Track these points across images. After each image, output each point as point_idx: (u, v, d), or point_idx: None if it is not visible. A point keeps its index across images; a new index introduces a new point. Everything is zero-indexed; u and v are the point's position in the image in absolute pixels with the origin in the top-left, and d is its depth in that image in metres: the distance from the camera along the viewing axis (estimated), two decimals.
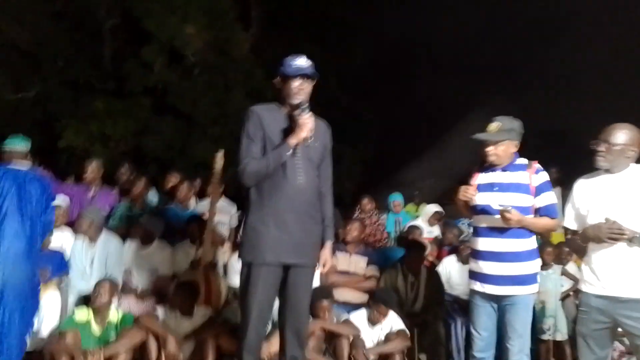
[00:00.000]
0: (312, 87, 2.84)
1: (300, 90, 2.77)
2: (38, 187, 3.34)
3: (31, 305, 3.33)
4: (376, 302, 3.95)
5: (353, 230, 4.56)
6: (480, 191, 3.04)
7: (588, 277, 2.79)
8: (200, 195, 5.71)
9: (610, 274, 2.68)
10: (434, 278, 4.58)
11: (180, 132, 9.94)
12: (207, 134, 9.84)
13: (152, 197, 5.39)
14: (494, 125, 3.02)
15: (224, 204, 5.37)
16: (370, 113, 12.51)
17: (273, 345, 3.33)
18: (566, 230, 3.02)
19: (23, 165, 3.47)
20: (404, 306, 4.38)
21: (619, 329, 2.77)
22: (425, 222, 6.26)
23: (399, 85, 13.04)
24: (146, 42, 9.70)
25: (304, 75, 2.78)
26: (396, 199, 6.80)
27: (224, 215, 5.25)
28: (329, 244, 2.95)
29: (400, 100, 12.96)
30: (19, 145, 3.60)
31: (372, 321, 3.93)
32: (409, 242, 5.04)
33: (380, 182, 10.50)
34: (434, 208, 6.38)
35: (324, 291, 3.94)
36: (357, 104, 12.01)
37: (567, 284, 4.67)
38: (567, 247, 4.46)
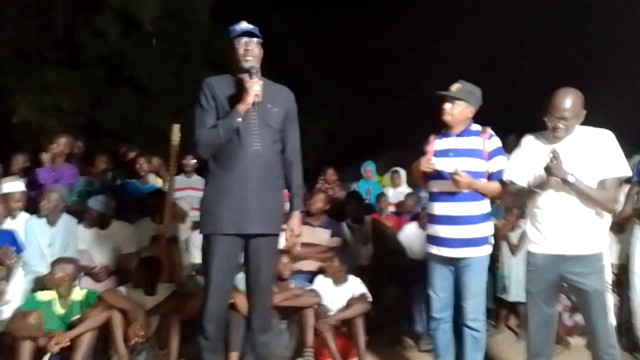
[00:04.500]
0: (261, 50, 2.79)
1: (247, 51, 2.72)
2: None
3: None
4: (331, 259, 4.04)
5: (317, 202, 4.57)
6: (436, 157, 3.11)
7: (534, 237, 2.90)
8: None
9: (556, 232, 2.79)
10: (379, 225, 4.89)
11: (137, 103, 9.69)
12: (165, 105, 9.62)
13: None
14: (455, 86, 3.08)
15: (199, 178, 5.32)
16: (334, 83, 12.41)
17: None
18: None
19: None
20: (357, 258, 4.59)
21: (564, 285, 2.91)
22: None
23: (363, 53, 12.92)
24: (100, 10, 9.31)
25: (248, 34, 2.73)
26: (368, 164, 6.96)
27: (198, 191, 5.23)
28: (296, 214, 2.93)
29: (365, 70, 12.88)
30: None
31: (335, 281, 3.99)
32: (346, 195, 5.32)
33: (345, 154, 10.52)
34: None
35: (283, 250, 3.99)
36: (320, 74, 11.88)
37: None
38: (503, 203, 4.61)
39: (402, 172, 6.65)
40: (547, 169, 2.67)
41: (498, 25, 11.78)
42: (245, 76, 2.70)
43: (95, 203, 4.23)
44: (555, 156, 2.65)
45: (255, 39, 2.76)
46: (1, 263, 3.72)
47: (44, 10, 9.88)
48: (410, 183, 6.40)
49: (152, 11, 9.47)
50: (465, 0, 12.05)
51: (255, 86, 2.66)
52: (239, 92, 2.71)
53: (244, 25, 2.77)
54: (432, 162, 3.07)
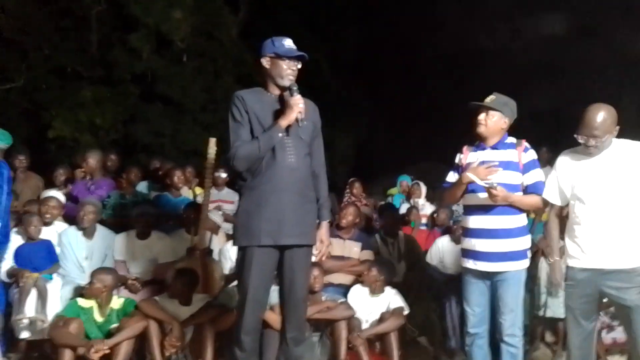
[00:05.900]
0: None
1: (292, 71, 2.78)
2: None
3: None
4: (369, 268, 4.03)
5: (348, 215, 4.55)
6: (470, 170, 3.06)
7: (573, 251, 2.85)
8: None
9: (594, 246, 2.75)
10: (412, 242, 4.88)
11: (170, 119, 9.90)
12: (197, 120, 9.81)
13: (142, 187, 5.41)
14: (490, 97, 3.08)
15: (229, 191, 5.39)
16: (362, 97, 12.49)
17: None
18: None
19: None
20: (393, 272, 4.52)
21: (604, 300, 2.85)
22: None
23: (390, 68, 12.96)
24: (133, 28, 9.58)
25: (297, 57, 2.79)
26: (404, 179, 7.02)
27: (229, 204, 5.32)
28: (325, 224, 2.96)
29: (393, 83, 12.91)
30: None
31: (372, 291, 3.99)
32: (381, 207, 5.31)
33: (374, 166, 10.53)
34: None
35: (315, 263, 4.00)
36: (348, 88, 11.97)
37: None
38: None
39: (422, 185, 6.64)
40: None
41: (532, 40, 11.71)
42: (287, 93, 2.77)
43: (139, 212, 4.35)
44: None
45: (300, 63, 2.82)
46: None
47: (80, 30, 10.21)
48: (429, 197, 6.47)
49: (183, 29, 9.70)
50: (493, 15, 12.01)
51: (300, 103, 2.72)
52: (276, 107, 2.78)
53: (291, 44, 2.81)
54: (491, 169, 2.97)
